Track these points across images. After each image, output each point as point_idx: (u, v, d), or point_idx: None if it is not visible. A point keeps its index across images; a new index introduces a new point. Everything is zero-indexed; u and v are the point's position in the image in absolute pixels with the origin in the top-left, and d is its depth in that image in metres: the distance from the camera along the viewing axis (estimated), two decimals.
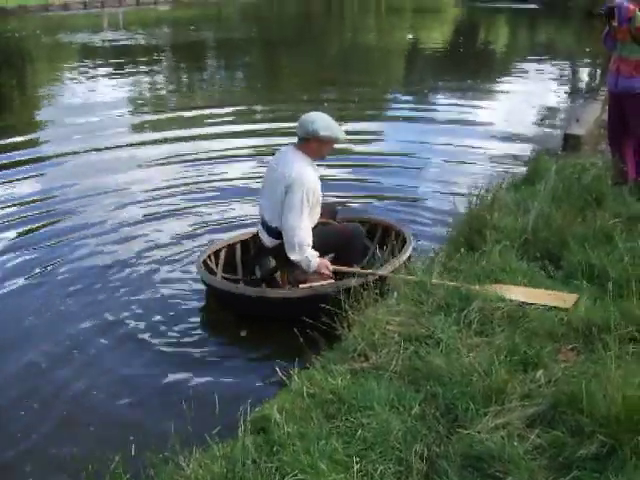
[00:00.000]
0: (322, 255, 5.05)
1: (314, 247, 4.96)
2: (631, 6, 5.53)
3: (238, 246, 5.84)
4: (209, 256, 5.56)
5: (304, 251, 4.90)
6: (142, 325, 5.05)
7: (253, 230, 5.64)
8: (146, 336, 4.91)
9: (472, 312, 3.70)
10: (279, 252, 5.09)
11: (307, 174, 4.92)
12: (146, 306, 5.31)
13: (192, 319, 5.16)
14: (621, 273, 4.01)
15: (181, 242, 6.52)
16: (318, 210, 5.14)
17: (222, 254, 5.72)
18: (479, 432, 2.82)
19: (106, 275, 5.85)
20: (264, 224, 5.19)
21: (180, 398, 3.87)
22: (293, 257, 4.93)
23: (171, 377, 4.42)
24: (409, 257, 5.33)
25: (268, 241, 5.18)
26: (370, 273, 4.88)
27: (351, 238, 5.29)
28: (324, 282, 4.98)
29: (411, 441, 2.84)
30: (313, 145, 5.00)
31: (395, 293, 4.16)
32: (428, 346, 3.48)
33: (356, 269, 5.07)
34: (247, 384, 4.24)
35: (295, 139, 5.12)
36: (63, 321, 5.10)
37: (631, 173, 6.02)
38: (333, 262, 5.16)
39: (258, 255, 5.48)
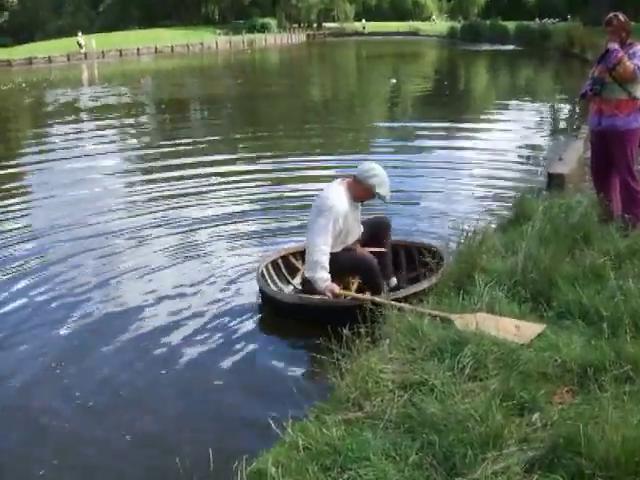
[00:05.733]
0: (338, 276, 5.48)
1: (331, 268, 5.41)
2: (620, 53, 5.66)
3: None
4: (268, 265, 6.09)
5: (315, 271, 5.40)
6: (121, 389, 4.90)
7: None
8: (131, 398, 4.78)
9: (465, 357, 3.66)
10: None
11: (340, 204, 5.47)
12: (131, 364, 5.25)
13: (182, 370, 5.08)
14: (613, 311, 4.00)
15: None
16: (344, 240, 5.60)
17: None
18: (478, 479, 2.77)
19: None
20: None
21: (173, 456, 3.77)
22: (307, 274, 5.55)
23: (162, 435, 4.33)
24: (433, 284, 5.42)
25: None
26: (368, 299, 5.07)
27: (360, 266, 5.61)
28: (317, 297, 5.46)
29: None
30: (360, 189, 5.57)
31: (387, 340, 4.12)
32: (422, 393, 3.43)
33: (365, 296, 5.25)
34: (241, 437, 4.16)
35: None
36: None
37: (616, 209, 6.06)
38: (346, 288, 5.52)
39: None
